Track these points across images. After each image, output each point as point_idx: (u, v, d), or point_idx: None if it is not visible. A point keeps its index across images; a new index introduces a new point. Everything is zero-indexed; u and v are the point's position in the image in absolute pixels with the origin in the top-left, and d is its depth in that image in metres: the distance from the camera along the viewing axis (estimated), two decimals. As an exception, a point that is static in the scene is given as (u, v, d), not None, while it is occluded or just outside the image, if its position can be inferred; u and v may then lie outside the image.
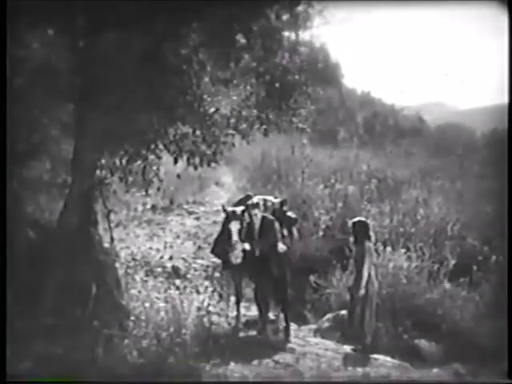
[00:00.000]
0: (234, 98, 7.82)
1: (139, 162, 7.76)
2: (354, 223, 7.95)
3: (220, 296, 8.74)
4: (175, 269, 10.36)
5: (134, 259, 9.58)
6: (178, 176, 9.16)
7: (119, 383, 6.11)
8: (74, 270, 7.11)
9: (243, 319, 8.72)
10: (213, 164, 7.87)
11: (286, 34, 7.58)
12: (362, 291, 7.64)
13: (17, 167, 7.08)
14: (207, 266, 10.58)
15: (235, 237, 7.94)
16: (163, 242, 11.58)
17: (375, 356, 7.66)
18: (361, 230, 7.84)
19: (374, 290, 7.77)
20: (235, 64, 7.14)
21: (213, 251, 8.91)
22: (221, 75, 7.38)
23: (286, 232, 8.42)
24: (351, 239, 8.17)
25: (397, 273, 8.86)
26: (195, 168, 7.87)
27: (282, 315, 8.33)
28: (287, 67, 7.77)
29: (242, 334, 8.26)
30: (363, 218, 8.28)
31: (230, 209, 8.32)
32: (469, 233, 10.83)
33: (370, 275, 7.69)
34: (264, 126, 8.00)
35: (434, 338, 8.31)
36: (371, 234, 7.89)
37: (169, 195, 13.34)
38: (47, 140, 7.51)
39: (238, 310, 8.48)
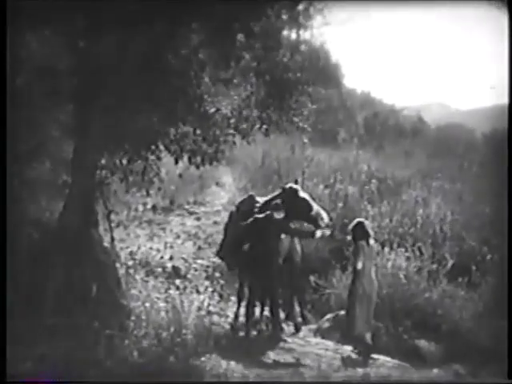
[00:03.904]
0: (235, 98, 7.82)
1: (139, 162, 7.76)
2: (354, 226, 7.95)
3: (220, 296, 8.75)
4: (175, 269, 10.36)
5: (134, 259, 9.58)
6: (180, 176, 9.17)
7: (120, 383, 6.11)
8: (75, 270, 7.12)
9: (243, 319, 8.72)
10: (214, 163, 7.88)
11: (287, 33, 7.59)
12: (359, 290, 7.66)
13: (17, 167, 7.08)
14: (207, 266, 10.59)
15: None
16: (163, 242, 11.59)
17: (375, 356, 7.66)
18: (358, 230, 7.85)
19: (372, 289, 7.76)
20: (235, 64, 7.15)
21: (218, 254, 8.90)
22: (221, 75, 7.39)
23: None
24: (349, 239, 8.17)
25: (396, 273, 8.86)
26: (197, 167, 7.87)
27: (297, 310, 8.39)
28: (287, 67, 7.77)
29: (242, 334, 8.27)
30: (362, 219, 8.27)
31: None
32: (468, 233, 10.83)
33: (365, 274, 7.70)
34: (265, 126, 8.01)
35: (433, 338, 8.31)
36: (370, 233, 7.86)
37: (169, 195, 13.34)
38: (47, 140, 7.52)
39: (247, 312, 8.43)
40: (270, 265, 7.90)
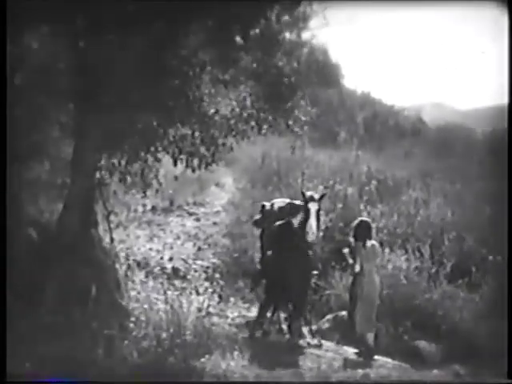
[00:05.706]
0: (234, 99, 7.82)
1: (138, 163, 7.75)
2: (357, 224, 7.97)
3: (220, 297, 8.74)
4: (175, 270, 10.36)
5: (133, 260, 9.58)
6: (176, 178, 9.19)
7: (119, 383, 6.11)
8: (74, 270, 7.11)
9: (243, 320, 8.72)
10: (211, 166, 7.89)
11: (286, 34, 7.58)
12: (358, 291, 7.68)
13: (17, 167, 7.08)
14: (207, 267, 10.57)
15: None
16: (163, 242, 11.58)
17: (375, 357, 7.66)
18: (359, 229, 7.88)
19: (374, 290, 7.76)
20: (234, 65, 7.15)
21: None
22: (220, 76, 7.39)
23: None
24: (351, 239, 8.19)
25: (396, 274, 8.85)
26: (193, 170, 7.89)
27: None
28: (286, 68, 7.76)
29: (242, 335, 8.26)
30: (365, 219, 8.29)
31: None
32: (468, 233, 10.81)
33: (364, 275, 7.70)
34: (263, 127, 8.00)
35: (433, 339, 8.30)
36: (370, 234, 7.88)
37: (169, 196, 13.33)
38: (47, 140, 7.53)
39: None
40: (288, 270, 7.87)
